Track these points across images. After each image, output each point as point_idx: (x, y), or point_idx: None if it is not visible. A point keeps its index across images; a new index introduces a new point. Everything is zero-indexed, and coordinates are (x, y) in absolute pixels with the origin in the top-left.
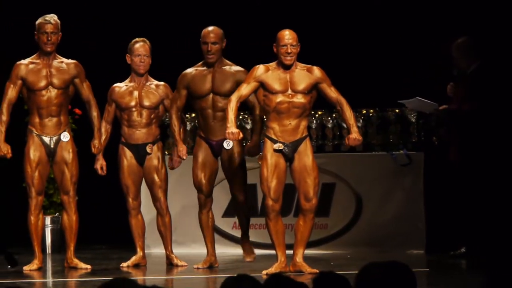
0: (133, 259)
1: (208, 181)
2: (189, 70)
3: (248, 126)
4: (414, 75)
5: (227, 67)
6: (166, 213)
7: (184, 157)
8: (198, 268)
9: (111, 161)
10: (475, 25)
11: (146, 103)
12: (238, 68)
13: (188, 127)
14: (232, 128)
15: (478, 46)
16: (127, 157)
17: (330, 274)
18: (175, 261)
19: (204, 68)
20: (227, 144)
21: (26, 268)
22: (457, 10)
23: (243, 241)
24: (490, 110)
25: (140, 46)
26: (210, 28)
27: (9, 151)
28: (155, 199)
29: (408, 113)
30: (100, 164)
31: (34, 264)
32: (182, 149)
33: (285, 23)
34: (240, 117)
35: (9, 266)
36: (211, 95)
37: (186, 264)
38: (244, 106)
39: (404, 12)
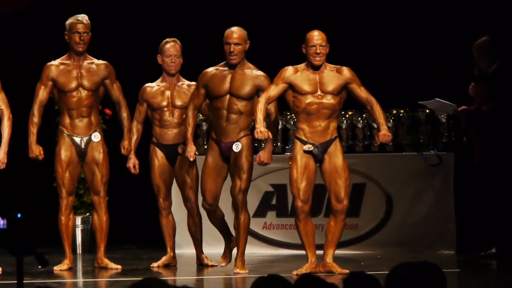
0: (164, 259)
1: (215, 186)
2: (210, 69)
3: (289, 126)
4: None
5: (248, 70)
6: (197, 213)
7: (191, 158)
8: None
9: (143, 161)
10: (495, 24)
11: (178, 102)
12: (260, 72)
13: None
14: (261, 127)
15: (498, 46)
16: (158, 157)
17: (360, 274)
18: (206, 261)
19: (225, 68)
20: (236, 147)
21: (56, 268)
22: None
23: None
24: (510, 110)
25: (171, 47)
26: (234, 28)
27: (41, 152)
28: (186, 199)
29: (438, 113)
30: (133, 162)
31: (65, 264)
32: (191, 150)
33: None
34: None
35: (39, 266)
36: (228, 96)
37: (216, 264)
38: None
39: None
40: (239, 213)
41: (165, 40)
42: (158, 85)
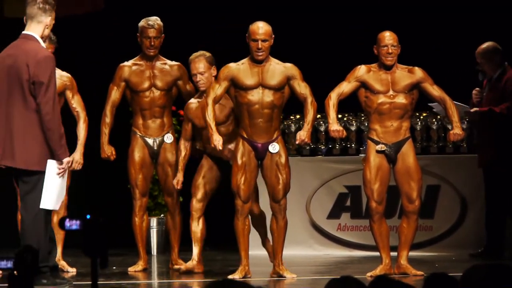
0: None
1: (247, 186)
2: (233, 64)
3: (353, 128)
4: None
5: (274, 63)
6: (284, 216)
7: (220, 147)
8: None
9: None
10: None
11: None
12: (287, 63)
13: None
14: (334, 125)
15: (502, 51)
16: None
17: (442, 275)
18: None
19: (251, 62)
20: (273, 148)
21: (131, 269)
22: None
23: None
24: None
25: (195, 63)
26: (260, 24)
27: (113, 152)
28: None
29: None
30: (177, 180)
31: (139, 265)
32: (219, 139)
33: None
34: (345, 118)
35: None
36: (260, 89)
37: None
38: (358, 108)
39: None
40: (281, 217)
41: (193, 54)
42: (198, 101)
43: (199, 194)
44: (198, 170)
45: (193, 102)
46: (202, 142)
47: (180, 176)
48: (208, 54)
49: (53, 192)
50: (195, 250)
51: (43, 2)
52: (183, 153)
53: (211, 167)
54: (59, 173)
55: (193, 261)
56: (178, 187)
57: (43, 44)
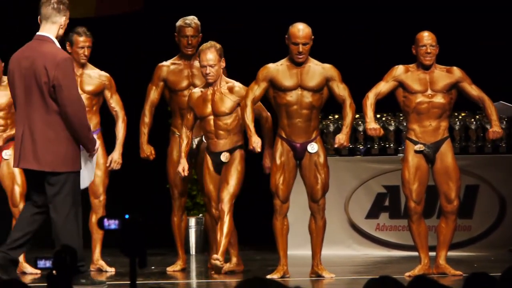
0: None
1: (286, 185)
2: (272, 64)
3: (391, 128)
4: None
5: (313, 64)
6: (323, 216)
7: (258, 150)
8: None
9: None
10: None
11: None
12: (326, 64)
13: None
14: (372, 124)
15: None
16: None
17: (482, 274)
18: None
19: (290, 63)
20: (312, 148)
21: (169, 269)
22: None
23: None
24: None
25: (205, 54)
26: (300, 26)
27: (152, 152)
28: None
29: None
30: (182, 167)
31: (178, 265)
32: (258, 140)
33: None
34: (383, 118)
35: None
36: (298, 90)
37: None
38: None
39: None
40: (320, 217)
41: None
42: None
43: (215, 196)
44: (203, 172)
45: (197, 91)
46: (202, 131)
47: (184, 163)
48: (218, 45)
49: (84, 173)
50: (233, 250)
51: (57, 2)
52: (185, 141)
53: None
54: (91, 155)
55: (232, 262)
56: (185, 174)
57: (58, 45)
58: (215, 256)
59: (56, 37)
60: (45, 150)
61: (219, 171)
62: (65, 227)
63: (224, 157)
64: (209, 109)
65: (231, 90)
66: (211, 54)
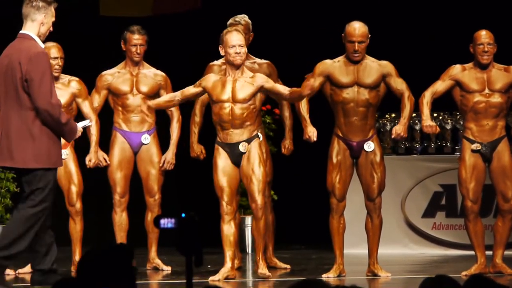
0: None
1: (342, 184)
2: (329, 60)
3: (448, 126)
4: None
5: (370, 61)
6: (379, 215)
7: (314, 139)
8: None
9: (314, 160)
10: None
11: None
12: (383, 61)
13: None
14: (428, 121)
15: None
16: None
17: None
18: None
19: (347, 61)
20: (368, 146)
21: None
22: None
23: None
24: None
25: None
26: (356, 25)
27: (203, 151)
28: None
29: None
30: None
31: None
32: (314, 130)
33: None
34: (440, 117)
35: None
36: (355, 87)
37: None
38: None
39: None
40: (376, 216)
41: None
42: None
43: (225, 196)
44: (214, 168)
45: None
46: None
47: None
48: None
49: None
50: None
51: (35, 0)
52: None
53: (225, 160)
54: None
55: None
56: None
57: (39, 42)
58: (260, 273)
59: (39, 35)
60: (18, 147)
61: (237, 164)
62: (27, 221)
63: (242, 147)
64: (227, 95)
65: (253, 76)
66: (239, 34)
